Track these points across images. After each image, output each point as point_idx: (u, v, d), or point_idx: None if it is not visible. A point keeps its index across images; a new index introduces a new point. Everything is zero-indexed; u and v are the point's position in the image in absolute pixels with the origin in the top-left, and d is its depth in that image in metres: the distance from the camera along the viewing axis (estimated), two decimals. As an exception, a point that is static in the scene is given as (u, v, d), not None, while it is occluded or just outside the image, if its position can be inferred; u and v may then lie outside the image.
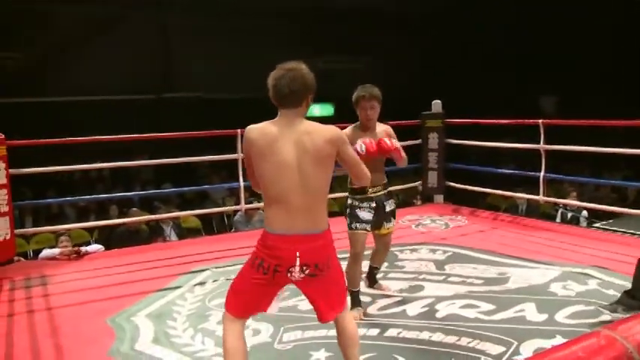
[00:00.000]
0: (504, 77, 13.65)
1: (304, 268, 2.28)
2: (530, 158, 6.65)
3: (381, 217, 3.72)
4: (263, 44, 12.81)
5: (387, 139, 3.47)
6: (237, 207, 6.33)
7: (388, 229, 3.80)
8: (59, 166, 5.90)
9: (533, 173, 6.23)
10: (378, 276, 4.21)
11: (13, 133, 5.16)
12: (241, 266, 2.49)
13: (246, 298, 2.38)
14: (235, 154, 5.96)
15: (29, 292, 4.43)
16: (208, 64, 12.51)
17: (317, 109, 15.25)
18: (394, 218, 3.82)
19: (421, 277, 4.42)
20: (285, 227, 2.27)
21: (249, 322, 3.27)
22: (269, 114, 2.42)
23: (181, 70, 12.72)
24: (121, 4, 11.86)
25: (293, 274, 2.29)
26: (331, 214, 2.68)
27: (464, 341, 3.22)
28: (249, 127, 2.38)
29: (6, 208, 4.92)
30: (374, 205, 3.66)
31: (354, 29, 13.75)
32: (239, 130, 6.00)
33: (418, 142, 7.01)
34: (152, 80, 12.53)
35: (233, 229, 7.37)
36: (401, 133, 6.88)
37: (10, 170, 4.99)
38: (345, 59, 13.93)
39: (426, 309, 3.74)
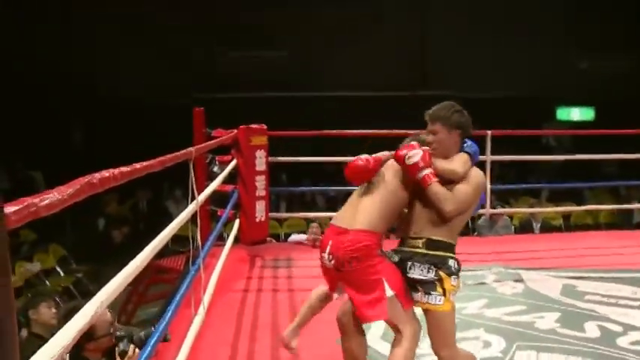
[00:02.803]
0: None
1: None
2: None
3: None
4: (520, 43, 12.24)
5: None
6: (482, 210, 6.09)
7: (420, 302, 2.51)
8: (314, 157, 6.27)
9: None
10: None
11: (278, 124, 5.59)
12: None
13: None
14: (484, 156, 5.69)
15: (276, 271, 4.80)
16: (464, 62, 12.31)
17: (576, 114, 13.96)
18: (431, 294, 2.46)
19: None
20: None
21: (481, 333, 3.12)
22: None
23: (437, 67, 12.71)
24: (381, 3, 12.25)
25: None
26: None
27: None
28: None
29: (263, 193, 5.36)
30: (396, 259, 2.58)
31: (622, 26, 12.37)
32: (489, 132, 5.77)
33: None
34: (408, 78, 12.73)
35: (476, 233, 7.21)
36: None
37: (269, 158, 5.43)
38: (611, 58, 12.54)
39: (694, 352, 3.17)
